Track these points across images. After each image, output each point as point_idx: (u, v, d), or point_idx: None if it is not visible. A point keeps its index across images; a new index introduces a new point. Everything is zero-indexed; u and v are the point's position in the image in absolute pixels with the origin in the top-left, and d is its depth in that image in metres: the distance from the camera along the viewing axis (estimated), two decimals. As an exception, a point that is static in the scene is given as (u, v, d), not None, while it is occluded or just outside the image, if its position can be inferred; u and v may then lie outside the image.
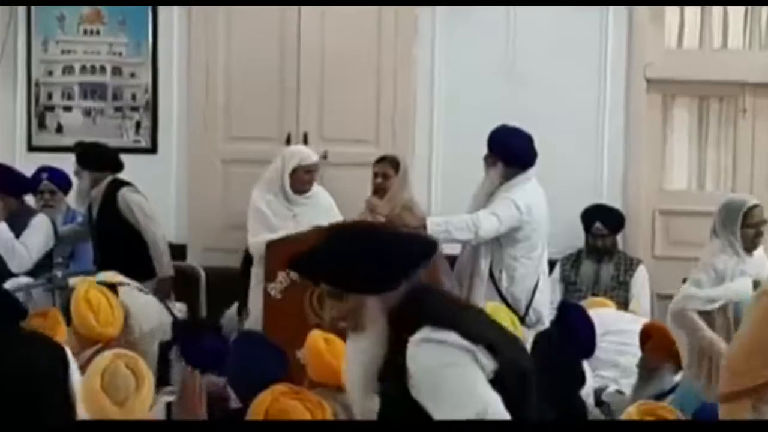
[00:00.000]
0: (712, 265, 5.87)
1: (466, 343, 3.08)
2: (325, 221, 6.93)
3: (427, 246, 3.41)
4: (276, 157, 7.22)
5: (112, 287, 6.18)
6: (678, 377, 5.75)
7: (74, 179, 7.88)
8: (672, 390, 5.69)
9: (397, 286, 3.24)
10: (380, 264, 3.23)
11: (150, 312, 6.54)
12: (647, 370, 5.78)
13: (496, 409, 3.03)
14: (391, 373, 3.12)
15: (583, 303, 7.36)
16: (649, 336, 5.87)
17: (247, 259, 7.29)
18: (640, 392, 5.68)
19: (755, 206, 6.05)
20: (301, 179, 7.09)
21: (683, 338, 5.76)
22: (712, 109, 8.77)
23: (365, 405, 3.30)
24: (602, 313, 6.83)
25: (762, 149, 8.62)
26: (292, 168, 7.05)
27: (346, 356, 3.42)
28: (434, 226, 6.67)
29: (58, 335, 5.40)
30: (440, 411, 3.03)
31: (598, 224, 8.08)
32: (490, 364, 3.10)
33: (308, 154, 7.14)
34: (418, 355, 3.07)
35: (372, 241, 3.30)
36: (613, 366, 6.53)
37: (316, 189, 7.27)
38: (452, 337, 3.09)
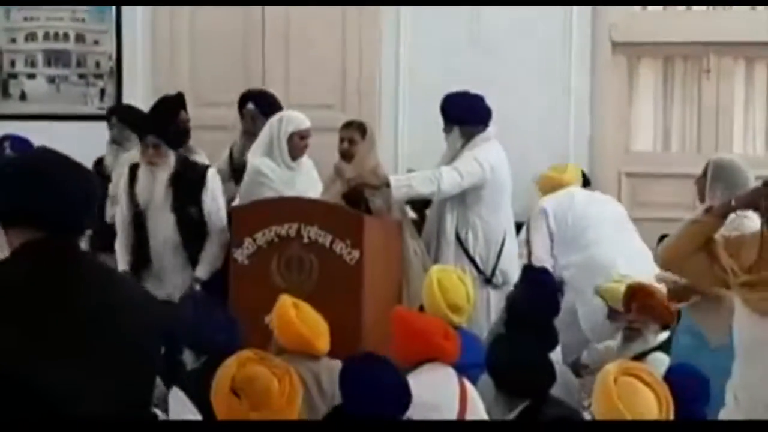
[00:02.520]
0: None
1: None
2: (314, 192, 6.98)
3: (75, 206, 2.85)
4: (270, 122, 7.23)
5: None
6: (662, 336, 5.80)
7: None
8: (654, 349, 5.74)
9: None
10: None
11: None
12: (631, 330, 5.83)
13: None
14: None
15: None
16: (634, 297, 5.90)
17: None
18: (624, 351, 5.75)
19: None
20: (297, 145, 7.11)
21: None
22: (676, 70, 8.79)
23: None
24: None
25: (726, 110, 8.65)
26: (289, 134, 7.06)
27: None
28: (396, 182, 6.79)
29: None
30: None
31: None
32: None
33: (302, 120, 7.16)
34: None
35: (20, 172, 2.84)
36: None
37: (306, 159, 7.31)
38: None
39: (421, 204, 7.34)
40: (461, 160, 6.89)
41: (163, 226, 6.82)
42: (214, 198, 6.89)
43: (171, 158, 6.77)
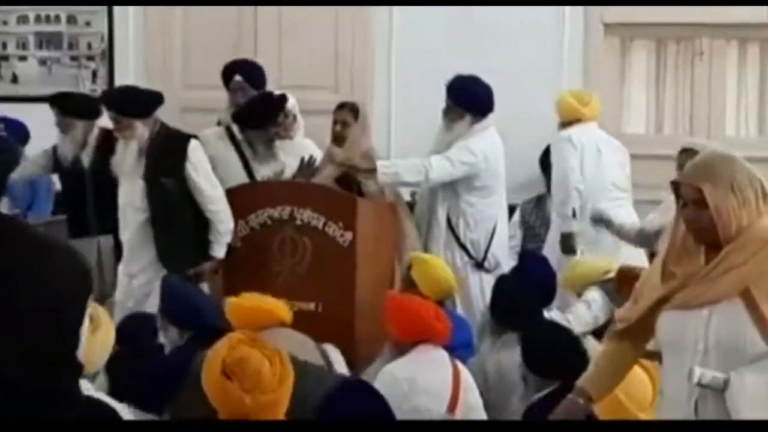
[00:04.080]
0: None
1: None
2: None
3: None
4: None
5: None
6: None
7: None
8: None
9: None
10: None
11: None
12: None
13: None
14: None
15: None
16: (624, 282, 5.88)
17: None
18: None
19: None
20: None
21: None
22: (669, 52, 8.79)
23: None
24: None
25: (719, 91, 8.65)
26: None
27: None
28: (383, 168, 6.78)
29: None
30: None
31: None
32: None
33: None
34: None
35: None
36: None
37: (297, 142, 7.26)
38: None
39: None
40: (455, 150, 6.88)
41: (131, 195, 6.59)
42: (198, 170, 6.58)
43: (139, 129, 6.54)
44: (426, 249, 6.95)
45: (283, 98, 7.16)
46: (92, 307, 4.42)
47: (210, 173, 6.63)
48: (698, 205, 3.42)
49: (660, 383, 3.72)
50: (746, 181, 3.43)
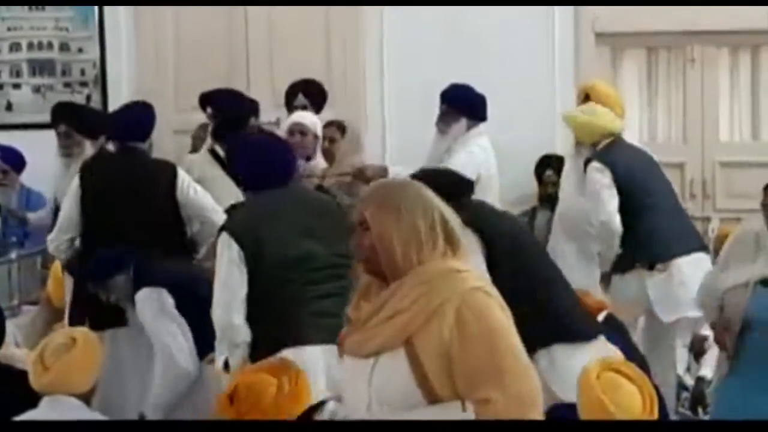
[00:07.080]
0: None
1: None
2: None
3: None
4: None
5: None
6: None
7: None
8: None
9: None
10: None
11: None
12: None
13: None
14: None
15: None
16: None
17: None
18: None
19: None
20: (295, 142, 6.96)
21: None
22: (660, 60, 8.82)
23: None
24: None
25: (711, 98, 8.67)
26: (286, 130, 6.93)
27: None
28: None
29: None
30: None
31: (549, 172, 8.08)
32: None
33: (300, 116, 7.06)
34: None
35: None
36: None
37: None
38: None
39: None
40: (460, 158, 6.80)
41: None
42: None
43: (86, 149, 6.26)
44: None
45: (251, 102, 7.19)
46: (70, 330, 4.60)
47: None
48: (362, 226, 3.14)
49: None
50: (419, 209, 3.11)
